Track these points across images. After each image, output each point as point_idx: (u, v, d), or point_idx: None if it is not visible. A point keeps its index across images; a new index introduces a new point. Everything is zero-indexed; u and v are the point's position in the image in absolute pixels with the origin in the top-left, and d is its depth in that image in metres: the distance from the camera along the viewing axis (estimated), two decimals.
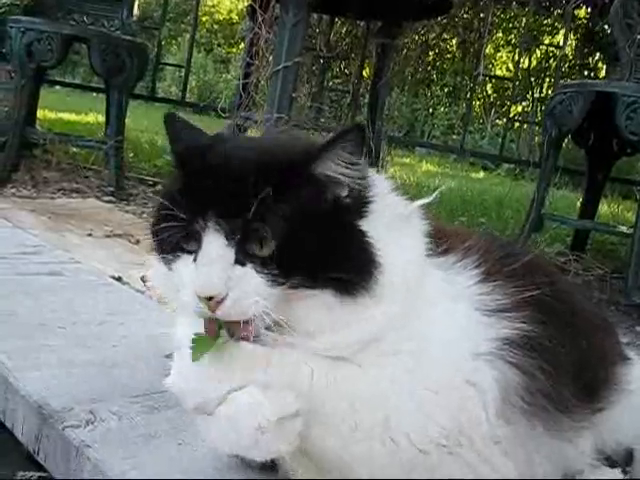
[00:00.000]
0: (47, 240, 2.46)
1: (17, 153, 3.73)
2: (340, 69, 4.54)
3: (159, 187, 4.19)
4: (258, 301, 0.91)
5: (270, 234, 0.91)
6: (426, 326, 1.02)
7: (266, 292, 0.92)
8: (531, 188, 3.79)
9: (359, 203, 0.99)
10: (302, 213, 0.93)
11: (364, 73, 4.40)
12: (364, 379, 0.99)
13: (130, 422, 1.16)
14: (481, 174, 9.54)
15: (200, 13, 15.63)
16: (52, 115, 6.78)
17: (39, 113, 5.15)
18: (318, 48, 3.93)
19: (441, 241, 1.11)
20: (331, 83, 4.59)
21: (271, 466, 1.00)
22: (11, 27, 3.61)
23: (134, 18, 4.34)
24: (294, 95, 3.27)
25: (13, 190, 3.54)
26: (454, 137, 10.93)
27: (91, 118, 7.46)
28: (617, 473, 1.29)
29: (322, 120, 4.23)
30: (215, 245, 0.91)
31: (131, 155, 4.84)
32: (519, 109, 10.89)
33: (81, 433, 1.10)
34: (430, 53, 7.62)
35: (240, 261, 0.91)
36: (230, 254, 0.91)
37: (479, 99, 10.94)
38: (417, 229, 1.07)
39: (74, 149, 4.52)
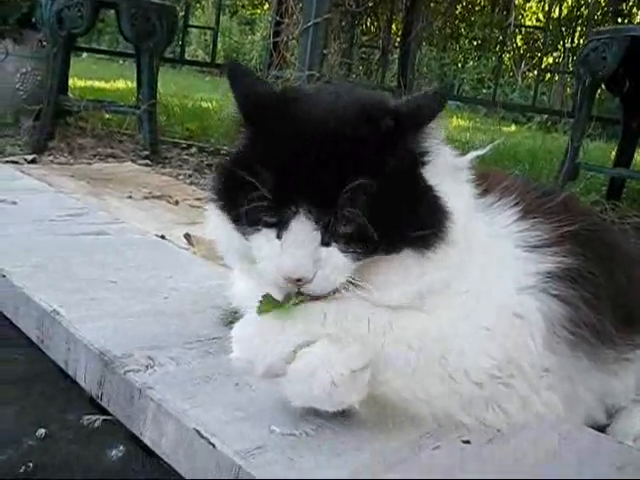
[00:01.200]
0: (89, 203, 2.51)
1: (52, 121, 3.77)
2: (369, 25, 4.50)
3: (193, 150, 4.24)
4: (341, 277, 0.96)
5: (357, 215, 0.92)
6: (474, 267, 1.06)
7: (350, 268, 0.96)
8: (564, 140, 3.77)
9: (424, 153, 1.00)
10: (388, 183, 0.93)
11: (393, 28, 4.37)
12: (419, 323, 1.03)
13: (187, 366, 1.21)
14: (513, 127, 9.43)
15: None
16: (82, 83, 6.83)
17: (69, 82, 5.20)
18: (347, 3, 3.90)
19: (480, 183, 1.14)
20: (361, 39, 4.56)
21: (341, 413, 1.02)
22: None
23: None
24: (324, 52, 3.27)
25: (50, 157, 3.60)
26: (484, 91, 10.79)
27: (121, 85, 7.49)
28: None
29: (353, 76, 4.22)
30: (304, 230, 0.93)
31: (164, 119, 4.87)
32: (550, 60, 10.67)
33: (142, 376, 1.15)
34: (458, 6, 7.50)
35: (326, 242, 0.94)
36: (317, 237, 0.93)
37: (509, 51, 10.73)
38: (467, 177, 1.11)
39: (107, 115, 4.57)
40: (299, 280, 0.94)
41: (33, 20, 4.02)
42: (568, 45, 10.41)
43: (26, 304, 1.46)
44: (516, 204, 1.15)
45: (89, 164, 3.54)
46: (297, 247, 0.93)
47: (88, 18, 3.63)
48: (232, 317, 1.07)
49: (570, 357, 1.12)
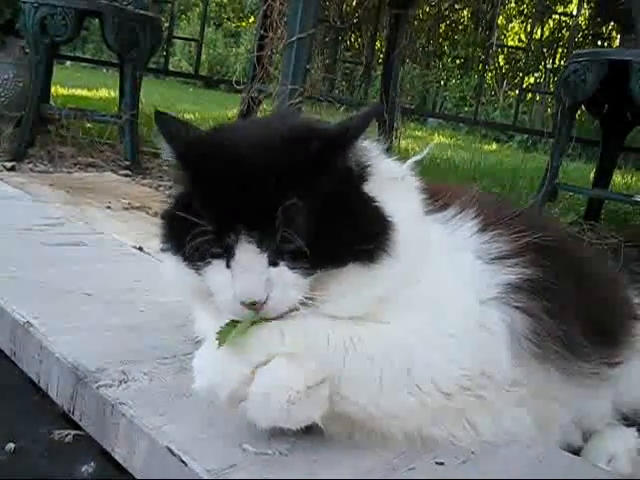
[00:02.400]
0: (67, 213, 2.49)
1: (32, 129, 3.74)
2: (353, 40, 4.53)
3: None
4: (295, 293, 0.97)
5: (298, 232, 0.93)
6: (434, 278, 1.07)
7: (302, 283, 0.97)
8: (544, 160, 3.81)
9: (361, 169, 1.02)
10: (325, 201, 0.96)
11: (376, 44, 4.40)
12: (382, 334, 1.02)
13: (161, 382, 1.20)
14: (494, 146, 9.50)
15: None
16: (64, 91, 6.80)
17: (52, 89, 5.17)
18: (331, 19, 3.92)
19: (439, 197, 1.17)
20: (344, 55, 4.58)
21: (304, 430, 1.01)
22: (24, 2, 3.60)
23: None
24: (307, 67, 3.27)
25: (30, 165, 3.57)
26: (466, 109, 10.87)
27: (103, 94, 7.46)
28: (633, 432, 1.32)
29: (335, 92, 4.23)
30: (249, 254, 0.94)
31: (145, 129, 4.86)
32: (532, 80, 10.80)
33: (115, 392, 1.14)
34: (442, 24, 7.58)
35: (273, 262, 0.95)
36: (263, 258, 0.95)
37: (491, 70, 10.85)
38: (412, 186, 1.13)
39: (89, 124, 4.54)
40: (254, 304, 0.95)
41: (16, 27, 3.99)
42: (549, 66, 10.56)
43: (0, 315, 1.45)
44: (476, 216, 1.16)
45: (69, 173, 3.52)
46: (245, 272, 0.94)
47: (72, 27, 3.61)
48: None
49: (539, 370, 1.12)
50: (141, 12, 3.88)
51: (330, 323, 1.00)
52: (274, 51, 3.51)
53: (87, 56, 9.69)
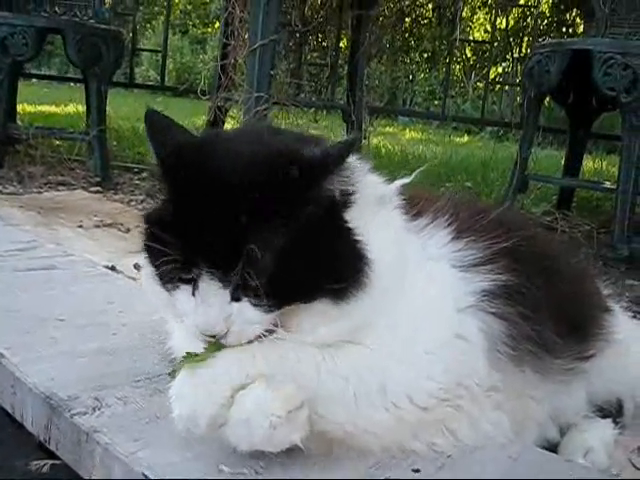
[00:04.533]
0: (39, 235, 2.47)
1: (0, 150, 3.71)
2: (317, 43, 4.53)
3: (145, 175, 4.21)
4: (257, 328, 0.97)
5: (261, 272, 0.92)
6: (410, 292, 1.07)
7: (265, 319, 0.96)
8: (515, 149, 3.83)
9: (344, 196, 1.00)
10: (298, 236, 0.93)
11: (341, 45, 4.41)
12: (354, 353, 1.03)
13: (136, 405, 1.19)
14: (465, 138, 9.56)
15: None
16: (32, 109, 6.73)
17: (18, 108, 5.12)
18: (293, 23, 3.92)
19: (412, 205, 1.16)
20: (309, 57, 4.58)
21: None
22: None
23: (106, 5, 4.33)
24: (272, 73, 3.27)
25: None
26: (436, 103, 10.92)
27: (71, 109, 7.39)
28: (609, 423, 1.34)
29: (302, 96, 4.24)
30: (211, 289, 0.93)
31: (114, 144, 4.83)
32: (499, 70, 10.86)
33: (89, 419, 1.14)
34: (406, 20, 7.60)
35: (236, 298, 0.95)
36: (226, 294, 0.94)
37: (458, 63, 10.90)
38: (395, 206, 1.13)
39: (57, 142, 4.52)
40: (214, 336, 0.96)
41: None
42: (516, 55, 10.62)
43: None
44: (449, 224, 1.16)
45: (39, 193, 3.50)
46: (206, 305, 0.94)
47: (33, 45, 3.60)
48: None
49: (515, 372, 1.13)
50: (102, 27, 3.87)
51: (300, 345, 1.00)
52: (237, 59, 3.50)
53: (52, 72, 9.63)
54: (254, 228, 0.90)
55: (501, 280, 1.11)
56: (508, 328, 1.10)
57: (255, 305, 0.94)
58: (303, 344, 1.00)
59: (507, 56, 10.85)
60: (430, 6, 6.89)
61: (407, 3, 4.79)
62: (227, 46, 3.69)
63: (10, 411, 1.32)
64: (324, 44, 4.46)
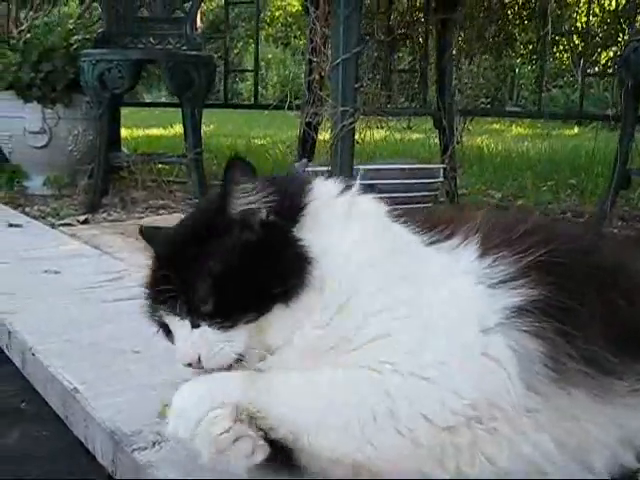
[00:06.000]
0: (134, 262, 2.58)
1: (104, 179, 3.91)
2: (406, 50, 4.50)
3: None
4: (225, 347, 1.01)
5: (208, 294, 1.01)
6: (429, 307, 1.04)
7: (231, 336, 1.02)
8: None
9: (290, 213, 1.06)
10: (229, 259, 1.02)
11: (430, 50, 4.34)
12: (353, 376, 1.00)
13: None
14: (575, 129, 9.21)
15: (273, 8, 15.87)
16: (140, 132, 7.07)
17: (128, 133, 5.39)
18: (377, 33, 3.91)
19: (445, 226, 1.16)
20: (400, 64, 4.55)
21: None
22: (83, 61, 3.80)
23: (198, 31, 4.47)
24: (357, 86, 3.27)
25: (104, 215, 3.74)
26: (544, 94, 10.56)
27: (178, 129, 7.71)
28: None
29: (392, 105, 4.21)
30: (174, 323, 1.06)
31: (214, 163, 4.98)
32: (610, 54, 10.37)
33: (148, 454, 1.18)
34: (509, 11, 7.40)
35: (195, 325, 1.03)
36: (186, 324, 1.03)
37: (566, 51, 10.50)
38: (369, 223, 1.13)
39: (160, 165, 4.71)
40: (191, 365, 1.03)
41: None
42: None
43: (52, 382, 1.52)
44: (479, 242, 1.12)
45: (140, 218, 3.65)
46: (176, 339, 1.06)
47: (129, 78, 3.77)
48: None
49: (558, 394, 1.05)
50: (193, 53, 4.00)
51: (286, 370, 1.02)
52: (322, 74, 3.52)
53: (158, 98, 10.04)
54: (194, 263, 1.02)
55: (533, 295, 1.05)
56: (544, 346, 1.03)
57: (212, 326, 1.02)
58: (290, 367, 1.02)
59: (619, 38, 10.36)
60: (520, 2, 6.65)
61: (495, 2, 4.64)
62: (312, 62, 3.72)
63: (84, 442, 1.39)
64: (413, 50, 4.41)
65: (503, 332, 1.04)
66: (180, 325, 1.04)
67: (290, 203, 1.07)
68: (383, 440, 0.97)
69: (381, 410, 0.97)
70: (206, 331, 1.02)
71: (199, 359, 1.02)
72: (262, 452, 0.98)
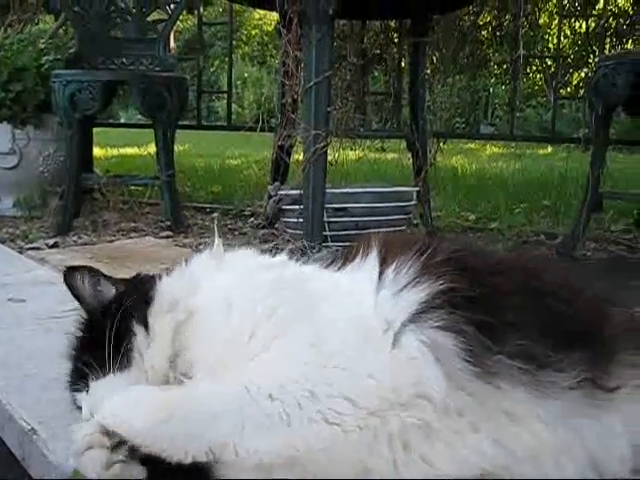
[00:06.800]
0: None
1: (74, 201, 3.86)
2: (378, 74, 4.51)
3: (216, 215, 4.28)
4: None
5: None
6: (323, 315, 1.06)
7: (115, 384, 1.15)
8: None
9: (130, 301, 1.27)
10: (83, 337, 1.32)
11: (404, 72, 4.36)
12: (271, 366, 1.00)
13: None
14: (549, 148, 9.31)
15: (249, 27, 15.91)
16: (114, 152, 7.01)
17: (102, 152, 5.33)
18: (350, 56, 3.92)
19: (349, 253, 1.21)
20: (373, 87, 4.56)
21: None
22: (54, 82, 3.75)
23: (172, 52, 4.45)
24: (329, 109, 3.26)
25: (75, 238, 3.68)
26: (517, 114, 10.67)
27: (153, 148, 7.67)
28: None
29: (365, 127, 4.21)
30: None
31: (187, 184, 4.95)
32: (582, 75, 10.52)
33: None
34: (483, 33, 7.48)
35: (85, 390, 1.21)
36: (83, 394, 1.21)
37: (539, 72, 10.65)
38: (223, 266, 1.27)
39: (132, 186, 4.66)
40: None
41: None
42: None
43: (9, 421, 1.47)
44: (378, 256, 1.14)
45: (110, 242, 3.60)
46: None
47: (100, 99, 3.73)
48: None
49: (488, 389, 1.01)
50: (165, 74, 3.97)
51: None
52: (295, 97, 3.51)
53: (134, 117, 10.00)
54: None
55: (439, 288, 1.03)
56: (459, 339, 1.00)
57: (95, 379, 1.17)
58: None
59: (589, 60, 10.51)
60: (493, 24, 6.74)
61: (468, 25, 4.68)
62: (285, 85, 3.71)
63: None
64: (386, 72, 4.43)
65: (413, 330, 1.02)
66: (81, 398, 1.22)
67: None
68: (311, 428, 0.93)
69: (302, 393, 0.94)
70: (93, 385, 1.19)
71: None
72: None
